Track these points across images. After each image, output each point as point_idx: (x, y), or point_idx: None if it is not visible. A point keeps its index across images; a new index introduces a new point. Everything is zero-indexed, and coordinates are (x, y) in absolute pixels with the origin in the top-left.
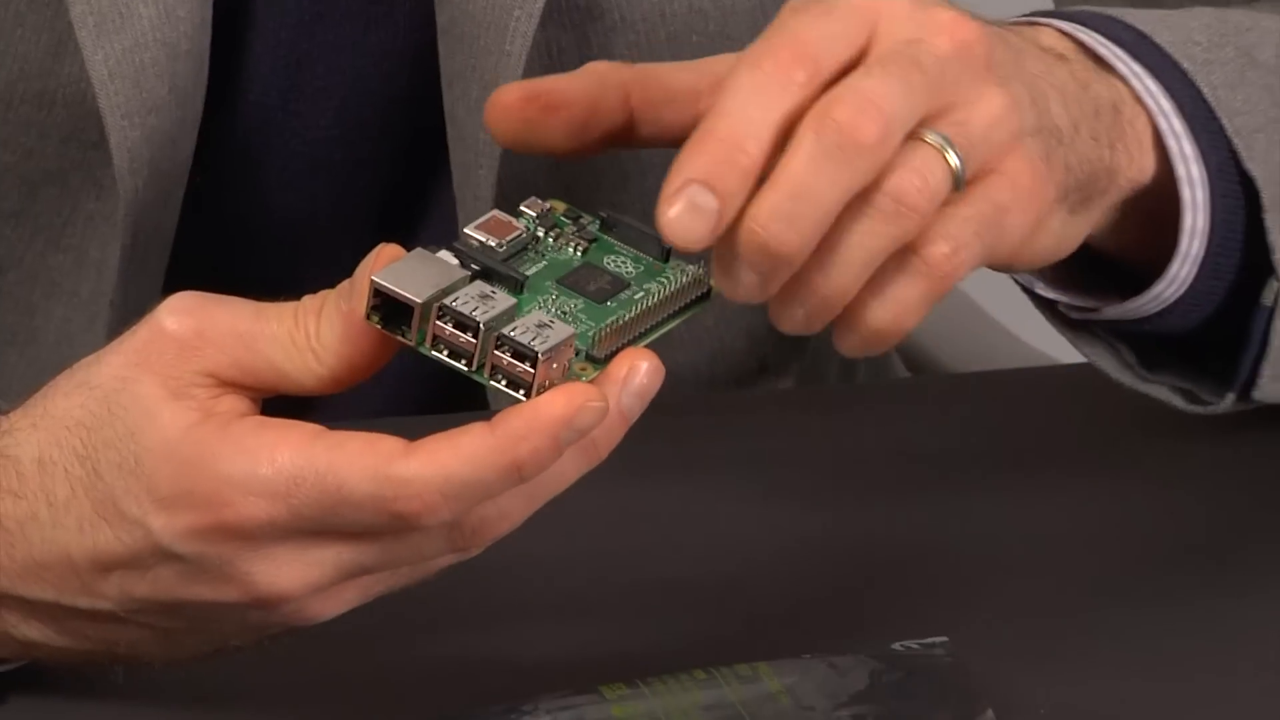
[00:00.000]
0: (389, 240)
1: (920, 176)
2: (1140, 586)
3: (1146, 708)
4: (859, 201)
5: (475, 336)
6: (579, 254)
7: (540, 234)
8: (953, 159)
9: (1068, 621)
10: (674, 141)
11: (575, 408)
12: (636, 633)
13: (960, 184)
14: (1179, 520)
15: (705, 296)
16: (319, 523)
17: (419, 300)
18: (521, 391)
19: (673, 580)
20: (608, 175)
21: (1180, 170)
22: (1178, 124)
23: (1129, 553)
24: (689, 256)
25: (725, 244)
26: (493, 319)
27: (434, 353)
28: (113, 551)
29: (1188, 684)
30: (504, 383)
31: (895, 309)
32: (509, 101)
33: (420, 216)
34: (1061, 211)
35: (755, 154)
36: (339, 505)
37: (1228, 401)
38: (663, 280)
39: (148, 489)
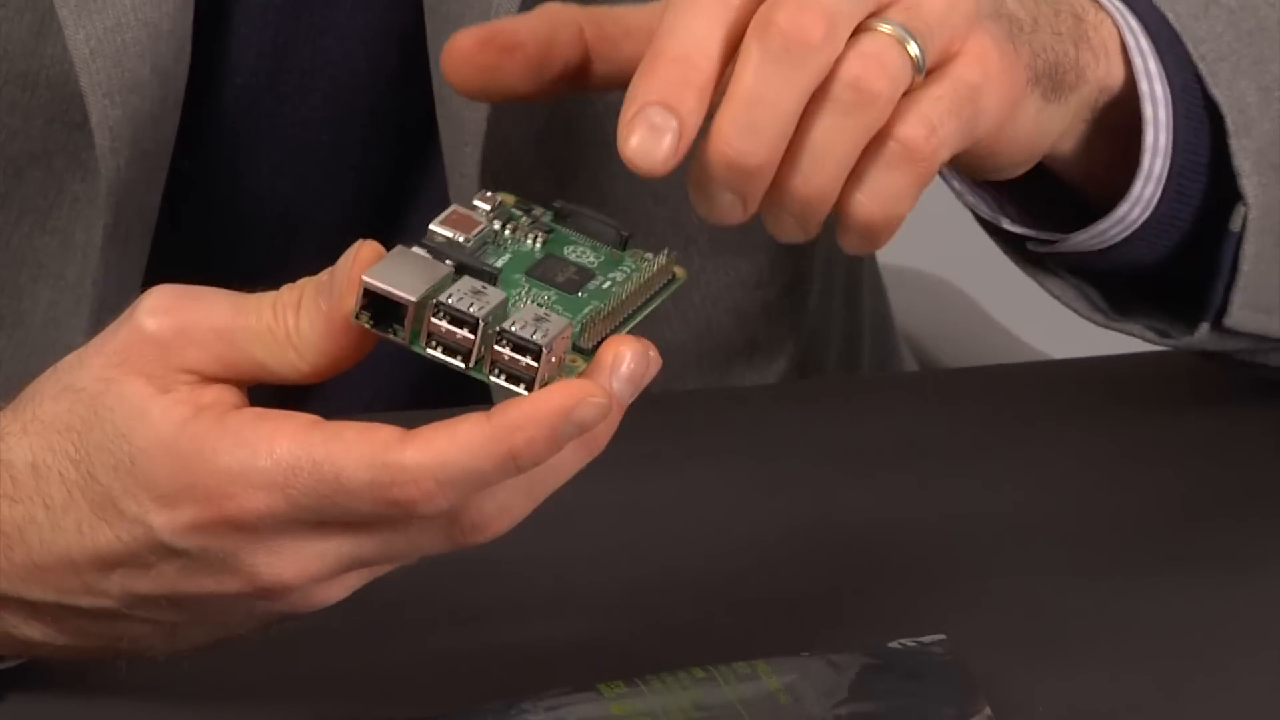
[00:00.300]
0: (380, 224)
1: (876, 62)
2: (1141, 583)
3: (1146, 706)
4: (820, 99)
5: (473, 332)
6: (539, 246)
7: (497, 227)
8: (910, 44)
9: (1067, 619)
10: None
11: (575, 400)
12: (635, 630)
13: (921, 68)
14: (1181, 517)
15: (672, 281)
16: (317, 512)
17: (413, 299)
18: (522, 385)
19: (671, 577)
20: (591, 147)
21: (1144, 86)
22: (1144, 42)
23: (1130, 550)
24: (646, 244)
25: (698, 168)
26: (490, 313)
27: (429, 350)
28: (114, 551)
29: (1188, 681)
30: (503, 378)
31: (883, 200)
32: (465, 47)
33: (410, 198)
34: (1035, 96)
35: (706, 68)
36: (336, 494)
37: (1202, 332)
38: (625, 268)
39: (146, 487)
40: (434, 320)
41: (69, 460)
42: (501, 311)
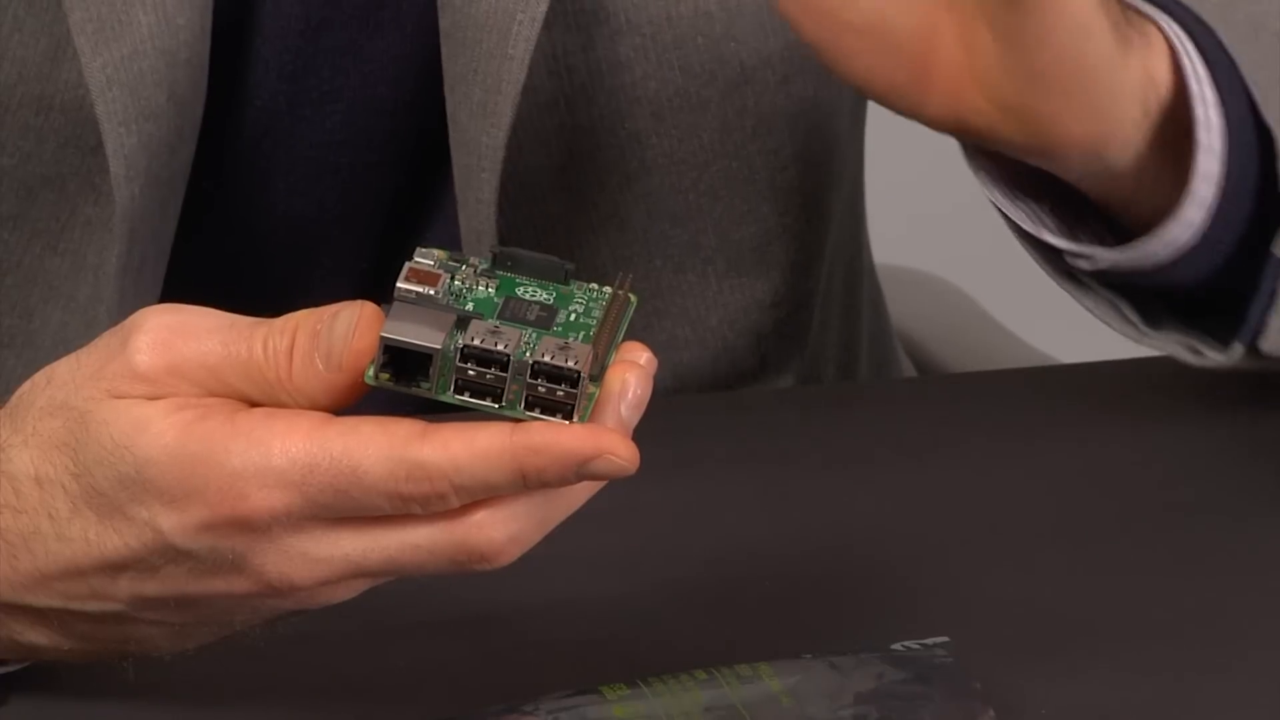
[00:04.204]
0: (394, 245)
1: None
2: (1142, 586)
3: (1148, 708)
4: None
5: (504, 370)
6: (493, 291)
7: (450, 279)
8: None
9: (1069, 622)
10: None
11: (597, 452)
12: (637, 633)
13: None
14: (1181, 517)
15: (629, 305)
16: (333, 509)
17: (438, 346)
18: (560, 415)
19: (673, 580)
20: (612, 176)
21: (1199, 112)
22: (1200, 69)
23: (1130, 551)
24: (590, 276)
25: None
26: (519, 349)
27: (458, 398)
28: (121, 556)
29: (1189, 683)
30: (538, 410)
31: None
32: None
33: (425, 220)
34: (1103, 20)
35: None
36: (353, 488)
37: (1235, 352)
38: (580, 299)
39: (155, 493)
40: (460, 364)
41: (69, 474)
42: (528, 346)
